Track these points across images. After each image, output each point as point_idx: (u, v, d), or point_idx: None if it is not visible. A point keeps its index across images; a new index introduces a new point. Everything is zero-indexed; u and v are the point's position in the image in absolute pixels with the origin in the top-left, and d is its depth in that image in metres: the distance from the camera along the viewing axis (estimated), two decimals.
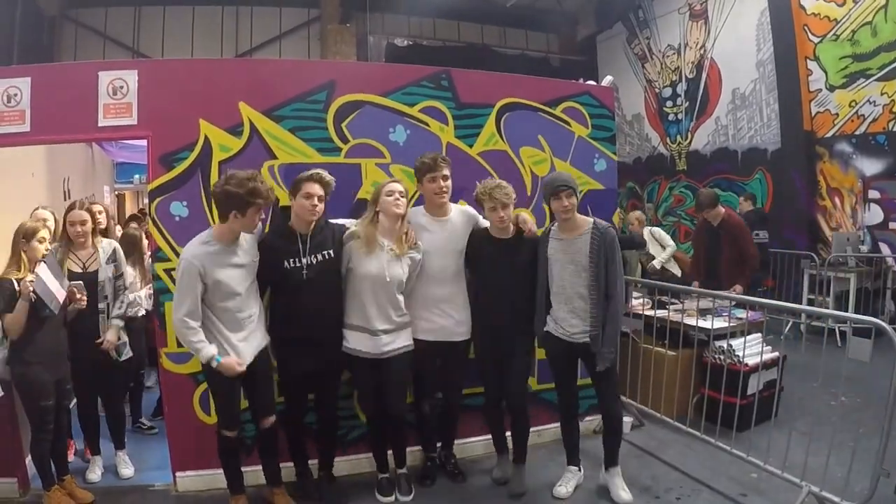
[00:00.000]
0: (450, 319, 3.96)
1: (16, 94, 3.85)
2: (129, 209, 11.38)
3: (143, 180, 8.88)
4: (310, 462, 4.12)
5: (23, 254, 3.71)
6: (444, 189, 3.90)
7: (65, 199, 5.94)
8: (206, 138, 4.02)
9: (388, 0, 12.23)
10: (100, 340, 4.22)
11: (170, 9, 12.12)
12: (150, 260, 4.57)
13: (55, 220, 4.41)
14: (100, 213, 4.74)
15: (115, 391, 4.55)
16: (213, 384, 3.59)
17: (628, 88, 12.76)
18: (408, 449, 4.44)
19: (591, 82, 5.22)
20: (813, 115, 9.18)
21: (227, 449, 3.66)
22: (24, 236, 3.72)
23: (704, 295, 5.26)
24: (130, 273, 4.70)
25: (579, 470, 4.18)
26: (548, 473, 4.31)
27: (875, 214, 8.47)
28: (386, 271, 3.77)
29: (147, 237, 5.22)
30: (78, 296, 3.90)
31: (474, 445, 4.68)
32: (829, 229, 9.05)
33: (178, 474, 4.13)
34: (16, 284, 3.60)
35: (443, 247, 3.94)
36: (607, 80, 5.33)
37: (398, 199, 3.79)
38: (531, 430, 4.40)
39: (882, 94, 8.12)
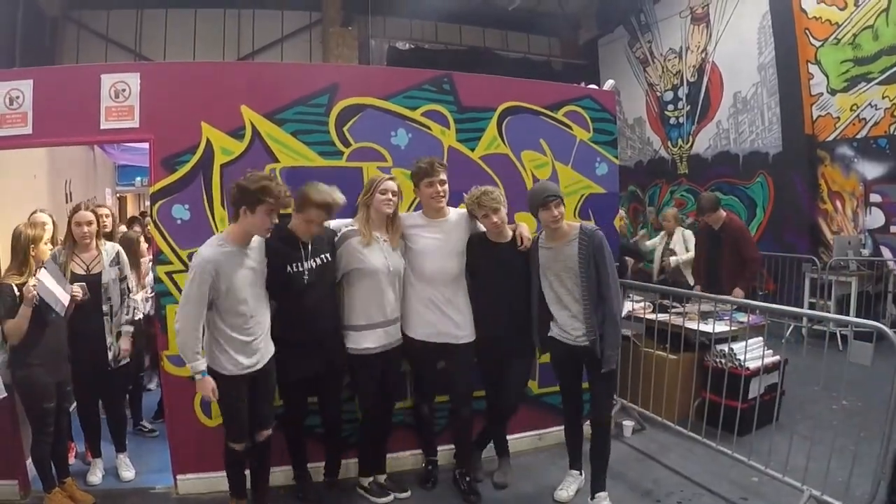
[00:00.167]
0: (449, 322, 3.95)
1: (18, 97, 3.86)
2: (131, 212, 11.41)
3: (145, 183, 8.92)
4: (310, 466, 4.12)
5: (31, 259, 3.71)
6: (442, 193, 3.90)
7: (66, 202, 5.96)
8: (208, 141, 4.03)
9: (390, 3, 12.23)
10: (110, 346, 4.25)
11: (172, 11, 12.13)
12: (150, 263, 4.59)
13: (53, 224, 4.42)
14: (105, 216, 4.75)
15: (115, 394, 4.55)
16: (221, 396, 3.47)
17: (630, 92, 12.77)
18: (409, 452, 4.48)
19: (593, 86, 5.22)
20: (814, 118, 9.18)
21: (235, 462, 3.61)
22: (32, 242, 3.72)
23: (705, 299, 5.26)
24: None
25: (581, 474, 4.17)
26: (549, 477, 4.31)
27: (876, 218, 8.46)
28: (388, 261, 3.82)
29: (146, 240, 5.23)
30: (80, 297, 3.92)
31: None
32: (831, 233, 9.04)
33: (178, 477, 4.13)
34: (16, 289, 3.61)
35: (441, 249, 3.94)
36: (609, 84, 5.33)
37: (390, 199, 3.81)
38: (533, 433, 4.42)
39: (883, 97, 8.12)
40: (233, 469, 3.64)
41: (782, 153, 9.74)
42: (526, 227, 4.05)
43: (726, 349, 4.97)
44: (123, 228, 6.18)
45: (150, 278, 4.85)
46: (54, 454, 3.86)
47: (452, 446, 4.37)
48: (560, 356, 3.94)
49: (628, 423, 5.14)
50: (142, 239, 5.20)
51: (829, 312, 7.22)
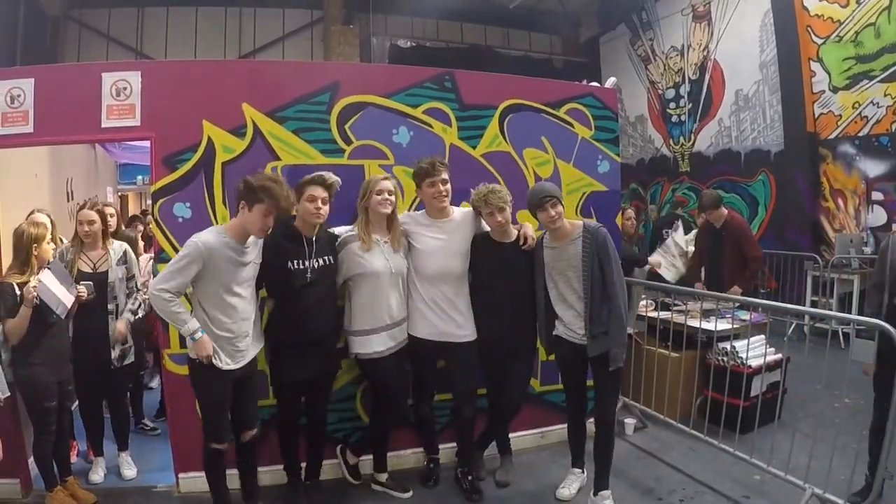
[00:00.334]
0: (451, 322, 3.95)
1: (19, 95, 3.86)
2: (133, 210, 11.42)
3: (147, 181, 8.93)
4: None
5: (33, 259, 3.71)
6: (444, 193, 3.89)
7: (68, 201, 5.96)
8: (210, 139, 4.02)
9: (391, 1, 12.22)
10: (114, 345, 4.27)
11: (173, 10, 12.13)
12: (151, 262, 4.58)
13: (52, 224, 4.43)
14: (111, 216, 4.76)
15: (119, 392, 4.57)
16: (204, 393, 3.48)
17: (631, 90, 12.76)
18: (411, 450, 4.48)
19: (595, 84, 5.22)
20: (816, 116, 9.17)
21: (216, 463, 3.56)
22: (35, 241, 3.72)
23: (707, 297, 5.25)
24: None
25: (583, 472, 4.17)
26: (551, 475, 4.31)
27: (878, 216, 8.45)
28: (390, 264, 3.81)
29: (143, 239, 5.23)
30: (85, 296, 3.92)
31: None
32: (833, 231, 9.03)
33: (180, 475, 4.14)
34: (17, 289, 3.61)
35: (445, 248, 3.93)
36: (611, 82, 5.32)
37: (386, 198, 3.80)
38: (534, 431, 4.43)
39: (885, 95, 8.11)
40: (213, 471, 3.58)
41: (784, 151, 9.73)
42: (530, 226, 4.04)
43: (728, 347, 4.97)
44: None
45: (149, 277, 4.84)
46: (56, 453, 3.86)
47: (454, 445, 4.37)
48: (565, 354, 3.93)
49: (630, 421, 5.14)
50: (139, 238, 5.20)
51: (831, 310, 7.22)
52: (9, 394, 3.52)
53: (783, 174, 9.73)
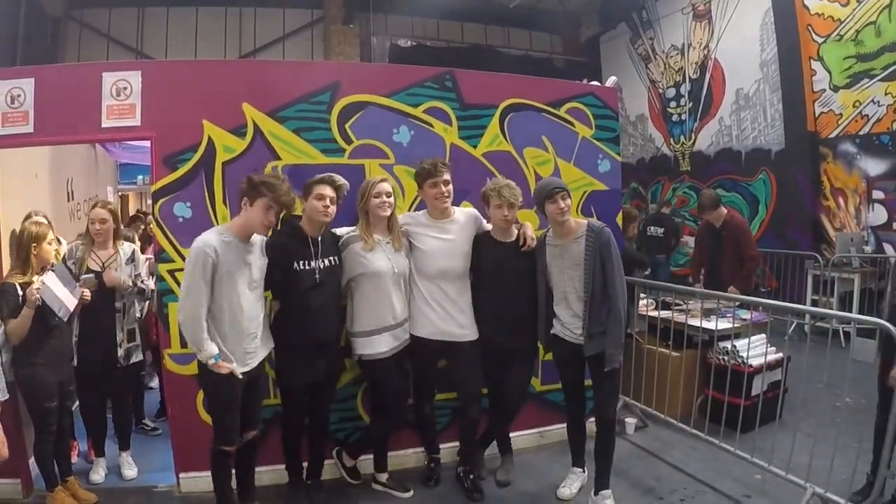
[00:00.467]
0: (452, 321, 3.95)
1: (19, 95, 3.86)
2: (133, 210, 11.41)
3: (147, 181, 8.93)
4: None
5: (33, 258, 3.71)
6: (446, 194, 3.89)
7: (68, 201, 5.95)
8: (210, 139, 4.03)
9: (391, 1, 12.21)
10: (120, 344, 4.31)
11: (173, 10, 12.12)
12: (148, 262, 4.58)
13: (49, 225, 4.44)
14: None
15: (123, 392, 4.57)
16: (215, 397, 3.47)
17: (632, 89, 12.75)
18: (412, 450, 4.48)
19: (595, 83, 5.21)
20: (817, 115, 9.16)
21: (224, 464, 3.54)
22: (35, 240, 3.71)
23: (708, 296, 5.25)
24: None
25: (583, 471, 4.17)
26: (552, 475, 4.31)
27: (879, 215, 8.44)
28: (393, 264, 3.82)
29: (142, 239, 5.23)
30: (89, 295, 3.92)
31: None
32: (833, 230, 9.02)
33: (181, 475, 4.14)
34: (19, 289, 3.60)
35: (447, 248, 3.93)
36: (611, 81, 5.32)
37: (384, 201, 3.80)
38: (534, 430, 4.43)
39: (886, 94, 8.10)
40: (220, 472, 3.55)
41: (785, 150, 9.72)
42: (530, 227, 4.05)
43: (729, 346, 4.97)
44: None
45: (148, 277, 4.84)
46: (57, 453, 3.86)
47: (454, 444, 4.37)
48: (563, 353, 3.93)
49: (631, 421, 5.14)
50: (136, 238, 5.20)
51: (831, 309, 7.22)
52: (8, 395, 3.52)
53: (784, 173, 9.73)
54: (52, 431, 3.76)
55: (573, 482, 4.11)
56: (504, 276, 3.97)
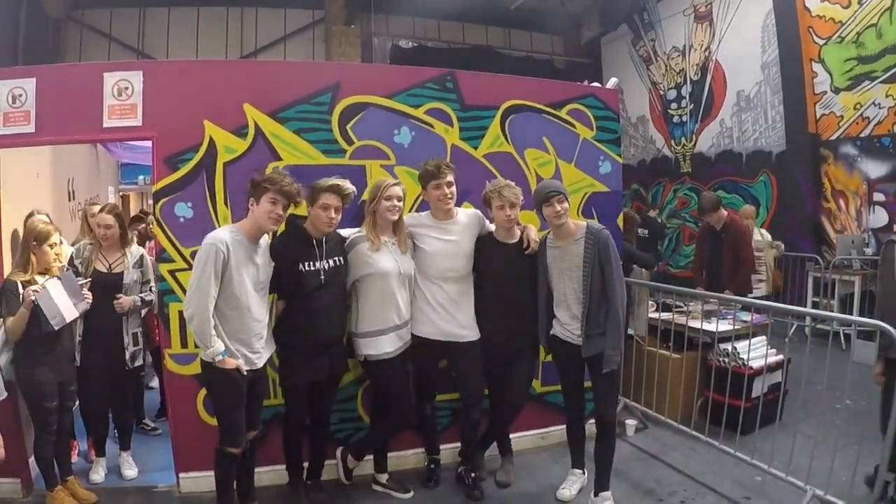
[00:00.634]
0: (453, 321, 3.95)
1: (21, 95, 3.86)
2: (134, 210, 11.42)
3: (148, 181, 8.94)
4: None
5: (32, 256, 3.71)
6: (449, 195, 3.90)
7: (69, 200, 5.96)
8: (211, 140, 4.03)
9: (392, 1, 12.21)
10: (126, 346, 4.30)
11: (175, 10, 12.12)
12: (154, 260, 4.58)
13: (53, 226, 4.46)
14: (93, 216, 4.79)
15: (127, 393, 4.57)
16: (220, 397, 3.46)
17: (633, 90, 12.75)
18: (412, 451, 4.48)
19: (596, 84, 5.22)
20: (818, 117, 9.16)
21: (229, 466, 3.52)
22: (35, 239, 3.72)
23: (709, 298, 5.26)
24: None
25: (583, 473, 4.17)
26: (552, 476, 4.31)
27: (880, 217, 8.44)
28: (399, 264, 3.83)
29: (140, 240, 5.22)
30: (84, 293, 3.92)
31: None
32: (834, 232, 9.02)
33: (181, 475, 4.14)
34: (20, 287, 3.61)
35: (449, 250, 3.94)
36: (612, 83, 5.32)
37: (395, 205, 3.81)
38: (534, 432, 4.43)
39: (887, 96, 8.10)
40: (224, 474, 3.54)
41: (786, 152, 9.73)
42: (533, 229, 4.05)
43: (729, 348, 4.97)
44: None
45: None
46: (57, 453, 3.87)
47: (454, 445, 4.38)
48: (563, 354, 3.93)
49: (631, 422, 5.13)
50: (133, 238, 5.19)
51: (832, 312, 7.21)
52: (6, 394, 3.53)
53: (785, 175, 9.73)
54: (52, 431, 3.76)
55: (573, 483, 4.11)
56: (506, 277, 3.97)
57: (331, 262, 3.71)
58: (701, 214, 6.60)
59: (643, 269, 6.40)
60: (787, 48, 9.46)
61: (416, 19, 13.24)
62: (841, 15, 8.64)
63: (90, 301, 3.93)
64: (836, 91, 8.85)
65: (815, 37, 9.07)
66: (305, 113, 4.20)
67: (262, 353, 3.52)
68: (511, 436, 4.41)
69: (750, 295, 5.97)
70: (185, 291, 3.67)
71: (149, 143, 4.07)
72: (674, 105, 11.94)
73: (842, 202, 8.97)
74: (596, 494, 3.85)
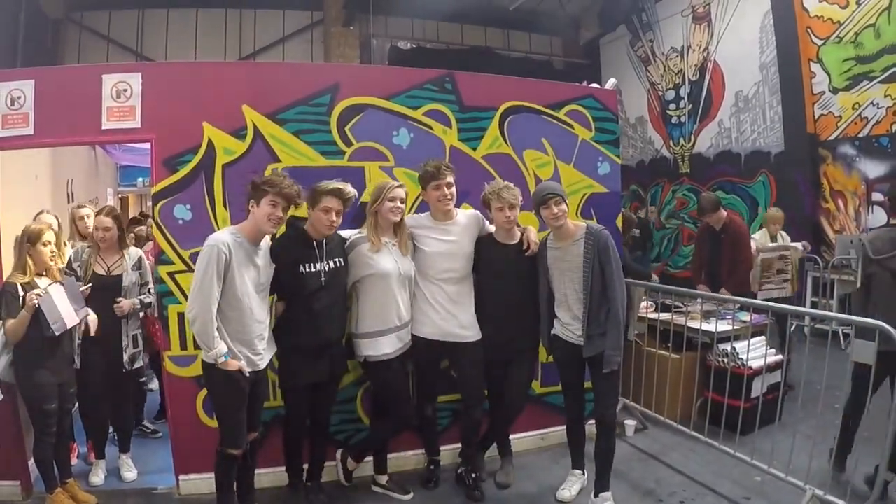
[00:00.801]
0: (454, 321, 3.95)
1: (19, 97, 3.86)
2: (133, 212, 11.42)
3: (147, 183, 8.95)
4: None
5: (28, 258, 3.71)
6: (449, 196, 3.90)
7: (68, 202, 5.97)
8: (210, 141, 4.03)
9: (391, 3, 12.20)
10: (125, 348, 4.30)
11: (173, 12, 12.12)
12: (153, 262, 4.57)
13: (59, 226, 4.45)
14: (87, 217, 4.82)
15: (126, 395, 4.56)
16: (223, 401, 3.44)
17: (631, 91, 12.75)
18: (411, 452, 4.48)
19: (595, 85, 5.22)
20: (816, 117, 9.16)
21: (229, 468, 3.51)
22: (28, 239, 3.72)
23: (708, 298, 5.26)
24: None
25: (583, 473, 4.17)
26: (551, 477, 4.31)
27: (878, 217, 8.42)
28: (399, 265, 3.83)
29: (138, 242, 5.22)
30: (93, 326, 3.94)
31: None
32: (833, 232, 9.02)
33: (181, 477, 4.14)
34: (20, 289, 3.61)
35: (449, 251, 3.94)
36: (611, 83, 5.33)
37: (398, 206, 3.82)
38: (534, 433, 4.43)
39: (885, 96, 8.10)
40: (225, 476, 3.53)
41: (784, 152, 9.72)
42: (533, 230, 4.06)
43: (729, 349, 4.97)
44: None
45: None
46: (56, 455, 3.86)
47: (454, 446, 4.39)
48: (563, 354, 3.94)
49: (631, 423, 5.14)
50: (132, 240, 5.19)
51: (831, 311, 7.21)
52: (2, 396, 3.52)
53: (783, 175, 9.72)
54: (51, 433, 3.76)
55: (573, 484, 4.11)
56: (506, 278, 3.98)
57: (331, 263, 3.71)
58: (700, 215, 6.59)
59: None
60: (786, 48, 9.46)
61: (414, 21, 13.24)
62: (839, 15, 8.64)
63: (91, 314, 3.93)
64: (835, 91, 8.85)
65: (813, 37, 9.07)
66: (304, 114, 4.20)
67: (263, 354, 3.52)
68: (511, 437, 4.41)
69: (773, 296, 5.87)
70: (183, 293, 3.68)
71: (147, 145, 4.07)
72: (672, 106, 11.94)
73: (840, 202, 8.97)
74: (596, 495, 3.85)
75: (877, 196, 8.43)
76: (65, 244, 4.41)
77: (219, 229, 3.78)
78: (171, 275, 4.01)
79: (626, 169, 11.34)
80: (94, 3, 11.78)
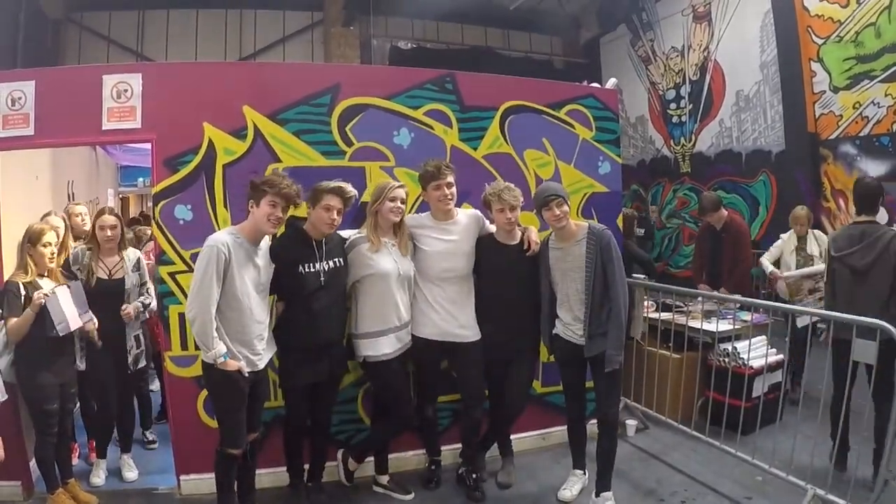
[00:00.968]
0: (454, 321, 3.95)
1: (20, 98, 3.87)
2: (133, 212, 11.43)
3: (148, 183, 8.95)
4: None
5: (28, 258, 3.71)
6: (449, 196, 3.90)
7: (69, 203, 5.96)
8: (211, 142, 4.03)
9: (391, 3, 12.20)
10: (129, 350, 4.30)
11: (174, 12, 12.12)
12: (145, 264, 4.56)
13: (66, 227, 4.45)
14: (79, 215, 4.85)
15: (128, 396, 4.57)
16: (222, 401, 3.45)
17: (632, 91, 12.73)
18: (412, 452, 4.48)
19: (595, 85, 5.22)
20: (817, 116, 9.15)
21: (229, 468, 3.52)
22: (29, 240, 3.72)
23: (709, 297, 5.25)
24: None
25: (584, 473, 4.17)
26: (553, 477, 4.31)
27: (880, 216, 8.41)
28: (399, 266, 3.83)
29: (138, 242, 5.22)
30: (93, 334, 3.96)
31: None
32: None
33: (182, 477, 4.14)
34: (22, 288, 3.61)
35: (449, 251, 3.94)
36: (611, 83, 5.32)
37: (398, 207, 3.82)
38: (535, 432, 4.43)
39: (886, 95, 8.09)
40: (225, 476, 3.53)
41: (785, 151, 9.71)
42: (534, 230, 4.06)
43: (730, 348, 4.96)
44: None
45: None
46: (58, 455, 3.87)
47: (455, 446, 4.39)
48: (565, 354, 3.94)
49: (632, 423, 5.13)
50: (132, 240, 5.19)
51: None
52: (6, 396, 3.53)
53: (784, 174, 9.71)
54: (52, 433, 3.76)
55: (574, 484, 4.11)
56: (507, 278, 3.98)
57: (331, 263, 3.71)
58: (701, 214, 6.59)
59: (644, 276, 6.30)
60: (786, 48, 9.45)
61: (414, 21, 13.23)
62: (840, 14, 8.62)
63: (95, 321, 3.93)
64: (835, 90, 8.84)
65: (813, 36, 9.06)
66: (305, 114, 4.20)
67: (263, 354, 3.52)
68: (512, 437, 4.41)
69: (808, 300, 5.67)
70: (184, 293, 3.68)
71: (148, 146, 4.07)
72: (673, 105, 11.93)
73: (841, 201, 8.95)
74: (597, 495, 3.85)
75: None
76: (72, 245, 4.40)
77: (219, 229, 3.78)
78: (171, 275, 4.01)
79: (627, 168, 11.31)
80: (94, 4, 11.79)
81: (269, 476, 4.10)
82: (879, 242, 4.02)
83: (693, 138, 11.45)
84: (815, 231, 6.30)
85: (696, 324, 5.24)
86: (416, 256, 3.97)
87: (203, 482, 4.02)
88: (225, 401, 3.44)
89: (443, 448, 4.39)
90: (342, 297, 3.85)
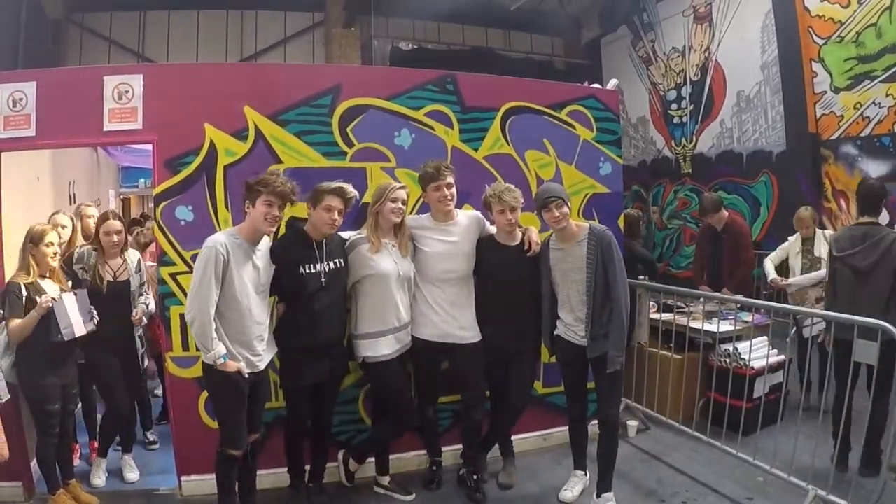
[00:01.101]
0: (454, 322, 3.96)
1: (21, 99, 3.87)
2: (134, 213, 11.43)
3: (149, 184, 8.95)
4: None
5: (31, 258, 3.71)
6: (449, 197, 3.90)
7: (70, 204, 5.96)
8: (212, 142, 4.03)
9: (392, 4, 12.20)
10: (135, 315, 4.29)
11: (175, 13, 12.11)
12: (143, 264, 4.56)
13: (73, 227, 4.46)
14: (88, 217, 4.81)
15: (133, 397, 4.56)
16: (223, 403, 3.46)
17: (633, 91, 12.72)
18: (413, 453, 4.47)
19: (596, 85, 5.22)
20: (818, 117, 9.14)
21: (230, 468, 3.53)
22: (31, 240, 3.72)
23: (710, 298, 5.25)
24: None
25: (585, 474, 4.17)
26: (554, 477, 4.31)
27: (881, 218, 8.41)
28: (399, 267, 3.83)
29: (137, 245, 5.22)
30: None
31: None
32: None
33: (183, 478, 4.14)
34: (23, 289, 3.62)
35: (450, 252, 3.94)
36: (612, 84, 5.32)
37: (399, 208, 3.82)
38: (537, 433, 4.43)
39: (887, 95, 8.08)
40: (226, 476, 3.54)
41: (786, 152, 9.70)
42: (535, 230, 4.05)
43: (731, 349, 4.96)
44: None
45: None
46: (59, 456, 3.87)
47: (455, 447, 4.38)
48: (566, 355, 3.94)
49: (633, 423, 5.13)
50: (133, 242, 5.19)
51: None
52: (8, 396, 3.53)
53: (785, 175, 9.70)
54: (54, 434, 3.77)
55: (575, 485, 4.11)
56: (507, 279, 3.97)
57: (331, 264, 3.71)
58: (702, 215, 6.59)
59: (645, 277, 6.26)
60: (787, 48, 9.44)
61: (415, 21, 13.23)
62: (840, 14, 8.62)
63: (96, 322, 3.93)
64: (836, 91, 8.83)
65: (814, 36, 9.06)
66: (306, 115, 4.21)
67: (263, 355, 3.52)
68: (513, 437, 4.42)
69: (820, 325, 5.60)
70: (185, 294, 3.67)
71: (149, 147, 4.08)
72: (674, 106, 11.92)
73: (843, 202, 8.95)
74: (598, 495, 3.85)
75: None
76: (80, 246, 4.40)
77: (221, 230, 3.79)
78: (172, 276, 4.02)
79: (628, 169, 11.29)
80: (95, 5, 11.78)
81: (270, 477, 4.10)
82: (882, 244, 4.04)
83: (694, 139, 11.45)
84: (825, 231, 6.25)
85: (697, 324, 5.24)
86: (416, 257, 3.97)
87: (204, 483, 4.02)
88: (225, 402, 3.44)
89: (444, 449, 4.39)
90: (343, 297, 3.85)
